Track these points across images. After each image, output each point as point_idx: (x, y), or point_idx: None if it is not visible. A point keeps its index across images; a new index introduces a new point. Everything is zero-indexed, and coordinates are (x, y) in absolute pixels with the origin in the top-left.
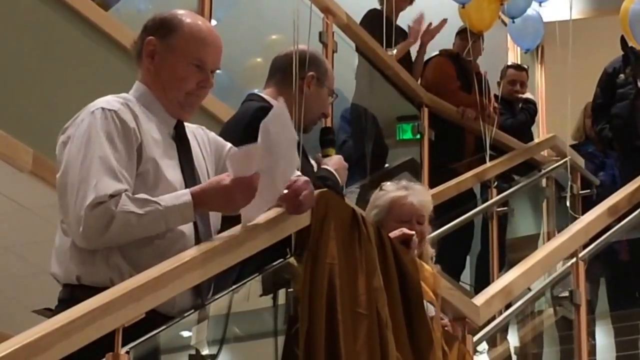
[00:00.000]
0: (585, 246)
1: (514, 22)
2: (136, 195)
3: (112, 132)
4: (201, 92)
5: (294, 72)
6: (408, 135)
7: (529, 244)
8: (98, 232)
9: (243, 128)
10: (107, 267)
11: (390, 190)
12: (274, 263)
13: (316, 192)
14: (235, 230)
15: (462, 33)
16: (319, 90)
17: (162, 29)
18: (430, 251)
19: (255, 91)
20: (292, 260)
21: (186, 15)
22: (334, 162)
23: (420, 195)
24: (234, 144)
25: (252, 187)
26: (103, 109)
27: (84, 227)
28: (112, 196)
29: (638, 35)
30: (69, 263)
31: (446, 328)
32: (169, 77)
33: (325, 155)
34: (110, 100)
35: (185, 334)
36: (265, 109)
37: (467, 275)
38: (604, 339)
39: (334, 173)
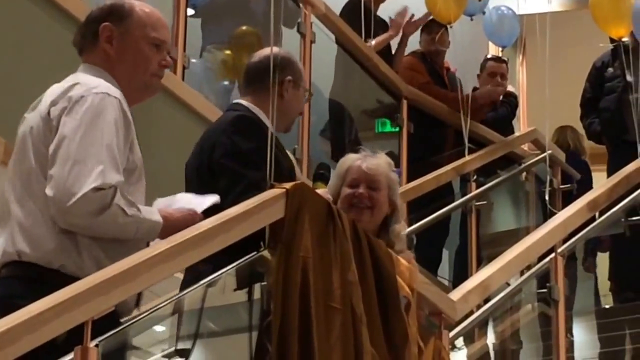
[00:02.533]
0: (564, 241)
1: (483, 14)
2: (126, 195)
3: (118, 122)
4: (162, 72)
5: (272, 79)
6: (387, 128)
7: (509, 238)
8: (89, 216)
9: (220, 133)
10: (91, 260)
11: (349, 158)
12: (247, 256)
13: (290, 184)
14: (208, 222)
15: (426, 27)
16: (296, 92)
17: (114, 15)
18: (402, 235)
19: (238, 100)
20: (265, 253)
21: (132, 1)
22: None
23: (373, 160)
24: (210, 149)
25: None
26: (109, 94)
27: (77, 205)
28: (111, 188)
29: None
30: (49, 248)
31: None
32: (134, 59)
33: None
34: (111, 87)
35: (159, 328)
36: (241, 118)
37: (445, 270)
38: (587, 335)
39: None
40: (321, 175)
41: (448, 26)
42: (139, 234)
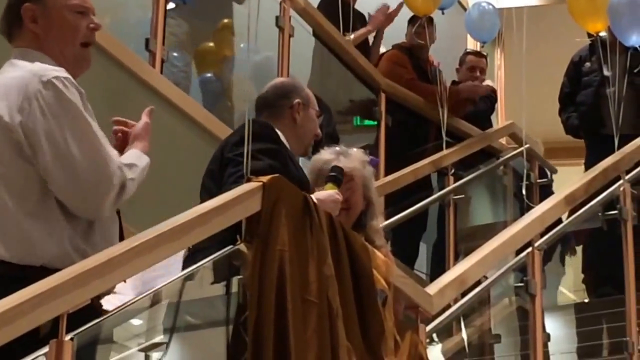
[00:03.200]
0: (541, 235)
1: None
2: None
3: (80, 102)
4: (93, 37)
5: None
6: (366, 121)
7: (486, 232)
8: (116, 199)
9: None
10: (75, 253)
11: (323, 154)
12: (223, 250)
13: (267, 178)
14: (185, 215)
15: (413, 20)
16: (307, 113)
17: None
18: (381, 230)
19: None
20: (242, 246)
21: None
22: (323, 194)
23: (347, 162)
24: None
25: None
26: (59, 77)
27: (108, 195)
28: (120, 168)
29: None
30: (32, 246)
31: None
32: (61, 31)
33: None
34: (55, 68)
35: (135, 322)
36: (257, 122)
37: (423, 264)
38: (565, 329)
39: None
40: (334, 177)
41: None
42: (137, 182)
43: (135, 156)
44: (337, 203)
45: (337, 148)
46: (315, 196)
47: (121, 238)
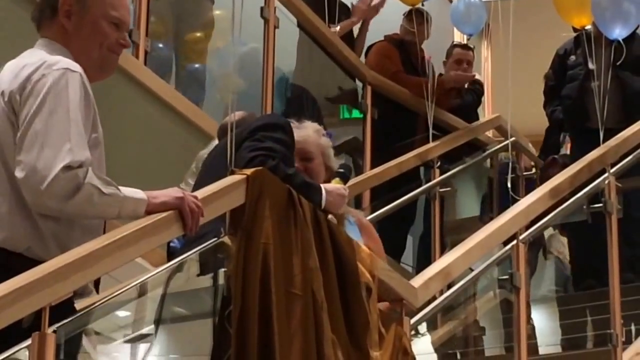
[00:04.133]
0: (526, 228)
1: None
2: (99, 175)
3: (82, 98)
4: (119, 50)
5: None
6: (355, 114)
7: (472, 225)
8: (63, 198)
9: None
10: (55, 242)
11: None
12: (208, 242)
13: (251, 170)
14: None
15: (409, 15)
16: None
17: None
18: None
19: None
20: (226, 239)
21: None
22: (331, 186)
23: (300, 132)
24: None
25: (200, 211)
26: (70, 70)
27: (50, 187)
28: (80, 166)
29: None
30: (14, 230)
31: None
32: (90, 34)
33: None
34: (71, 62)
35: (121, 314)
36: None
37: (410, 257)
38: (548, 321)
39: (322, 190)
40: (342, 174)
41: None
42: (123, 213)
43: (130, 189)
44: (343, 197)
45: (295, 123)
46: (324, 186)
47: (105, 231)
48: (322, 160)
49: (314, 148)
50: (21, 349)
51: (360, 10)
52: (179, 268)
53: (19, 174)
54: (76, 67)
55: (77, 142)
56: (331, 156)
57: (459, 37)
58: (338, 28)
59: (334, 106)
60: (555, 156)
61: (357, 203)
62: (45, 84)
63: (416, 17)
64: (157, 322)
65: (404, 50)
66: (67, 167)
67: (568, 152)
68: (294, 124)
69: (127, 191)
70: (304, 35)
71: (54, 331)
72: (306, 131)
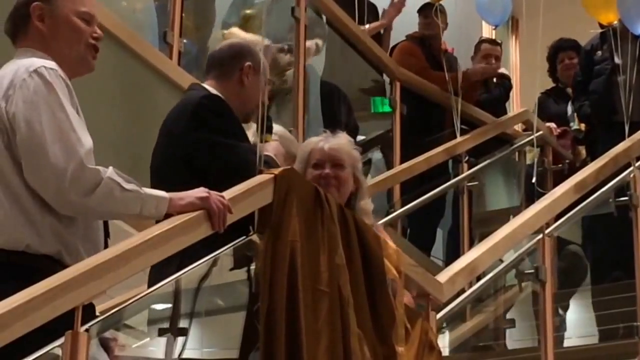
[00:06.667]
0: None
1: None
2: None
3: (65, 92)
4: (97, 44)
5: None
6: (384, 108)
7: (501, 218)
8: (84, 193)
9: (189, 115)
10: (54, 238)
11: (311, 141)
12: (237, 240)
13: (279, 170)
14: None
15: (424, 10)
16: (256, 79)
17: None
18: (370, 206)
19: (198, 82)
20: (254, 237)
21: None
22: (273, 148)
23: (335, 140)
24: (180, 132)
25: (226, 208)
26: (45, 67)
27: (73, 182)
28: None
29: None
30: (11, 232)
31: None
32: (66, 32)
33: (265, 141)
34: (45, 61)
35: (157, 307)
36: (208, 97)
37: (439, 250)
38: (584, 313)
39: (274, 158)
40: (268, 127)
41: (438, 5)
42: (145, 210)
43: (151, 189)
44: (283, 154)
45: (324, 133)
46: (268, 152)
47: (105, 226)
48: (352, 171)
49: (346, 157)
50: (54, 347)
51: (391, 14)
52: (214, 262)
53: (33, 177)
54: (51, 64)
55: (79, 129)
56: (360, 169)
57: (487, 31)
58: (367, 27)
59: (366, 101)
60: (567, 128)
61: (389, 197)
62: (30, 86)
63: (427, 11)
64: (191, 315)
65: (426, 46)
66: (83, 164)
67: (577, 126)
68: (325, 133)
69: (148, 190)
70: (333, 33)
71: (87, 330)
72: (340, 140)
